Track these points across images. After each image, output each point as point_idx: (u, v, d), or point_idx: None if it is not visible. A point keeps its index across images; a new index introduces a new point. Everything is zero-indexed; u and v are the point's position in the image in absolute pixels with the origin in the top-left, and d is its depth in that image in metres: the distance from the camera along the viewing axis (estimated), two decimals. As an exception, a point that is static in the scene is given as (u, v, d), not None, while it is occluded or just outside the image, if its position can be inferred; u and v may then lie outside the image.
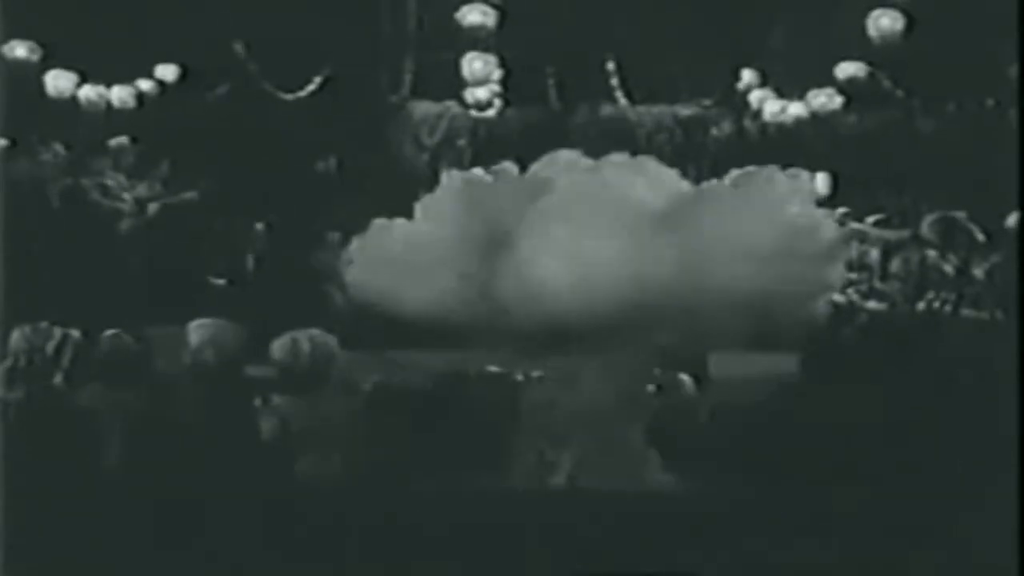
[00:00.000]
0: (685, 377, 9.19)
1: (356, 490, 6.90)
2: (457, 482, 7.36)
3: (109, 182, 13.22)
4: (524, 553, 6.36)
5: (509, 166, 7.76)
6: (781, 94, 14.54)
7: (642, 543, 6.50)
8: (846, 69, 14.26)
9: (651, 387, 8.82)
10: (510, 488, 7.43)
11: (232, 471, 6.64)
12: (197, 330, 7.62)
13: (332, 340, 7.61)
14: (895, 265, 12.14)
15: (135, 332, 7.97)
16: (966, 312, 11.58)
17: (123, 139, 13.59)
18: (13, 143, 12.64)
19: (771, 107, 14.52)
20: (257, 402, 7.19)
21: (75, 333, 7.92)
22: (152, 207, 13.19)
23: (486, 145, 14.70)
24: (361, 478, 7.01)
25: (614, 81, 14.91)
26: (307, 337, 7.50)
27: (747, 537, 6.55)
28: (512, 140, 14.38)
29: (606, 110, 15.12)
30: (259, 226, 13.91)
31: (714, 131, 15.07)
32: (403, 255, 7.41)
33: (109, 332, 7.79)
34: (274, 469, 6.89)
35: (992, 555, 6.29)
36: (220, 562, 6.23)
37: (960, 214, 11.96)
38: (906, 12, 13.27)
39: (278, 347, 7.47)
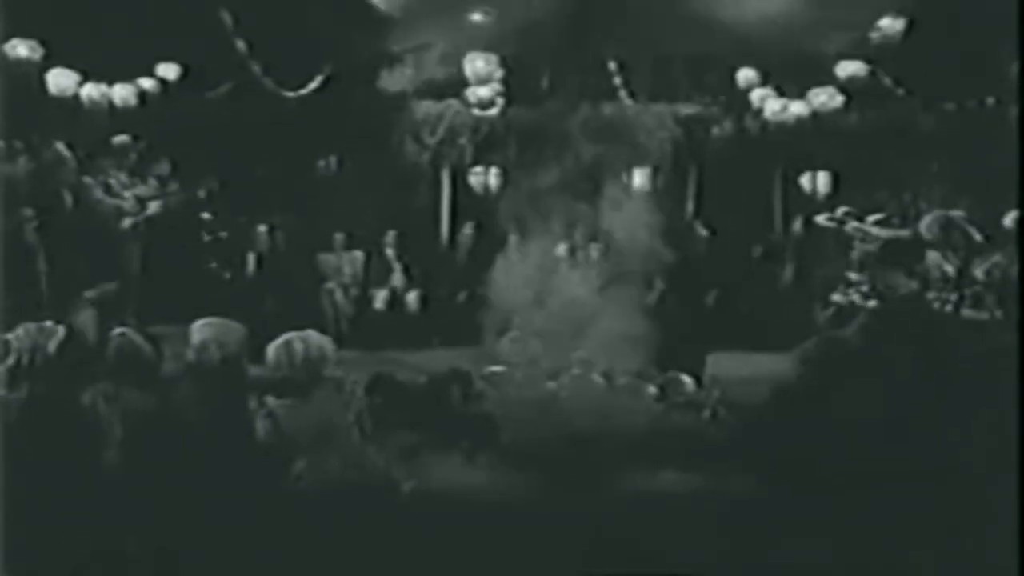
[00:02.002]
0: (686, 377, 9.22)
1: (353, 490, 6.90)
2: (456, 482, 7.37)
3: (111, 180, 13.23)
4: (524, 553, 6.37)
5: None
6: (782, 93, 14.49)
7: (643, 542, 6.51)
8: (847, 68, 14.21)
9: (652, 388, 8.84)
10: (510, 488, 7.43)
11: (233, 470, 6.64)
12: (201, 329, 7.60)
13: (327, 342, 7.57)
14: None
15: (142, 331, 7.95)
16: (966, 312, 11.57)
17: (125, 137, 13.59)
18: (15, 142, 12.62)
19: (772, 106, 14.48)
20: (252, 404, 7.18)
21: (78, 331, 7.89)
22: (153, 205, 13.21)
23: (487, 144, 14.68)
24: (358, 478, 7.00)
25: (616, 80, 14.86)
26: (301, 339, 7.46)
27: (748, 537, 6.56)
28: (514, 139, 14.38)
29: (608, 109, 15.06)
30: (261, 227, 13.93)
31: (715, 130, 15.03)
32: None
33: (118, 331, 7.77)
34: (273, 469, 6.88)
35: (992, 555, 6.30)
36: (220, 562, 6.25)
37: (958, 213, 11.96)
38: (907, 12, 13.24)
39: (272, 350, 7.45)
